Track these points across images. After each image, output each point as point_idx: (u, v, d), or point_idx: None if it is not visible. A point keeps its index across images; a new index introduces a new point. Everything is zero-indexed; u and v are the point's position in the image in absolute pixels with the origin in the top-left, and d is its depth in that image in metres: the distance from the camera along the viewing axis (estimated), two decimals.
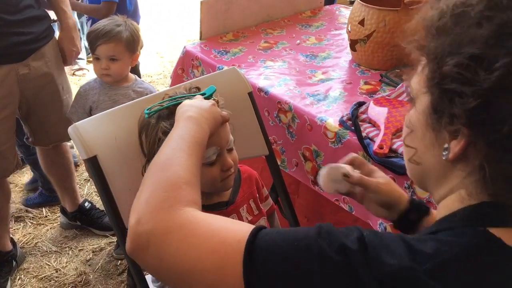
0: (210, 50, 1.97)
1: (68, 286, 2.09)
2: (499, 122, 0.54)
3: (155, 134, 1.05)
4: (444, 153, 0.62)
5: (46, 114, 1.99)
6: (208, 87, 1.11)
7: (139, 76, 2.63)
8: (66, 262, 2.22)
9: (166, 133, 0.97)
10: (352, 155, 1.01)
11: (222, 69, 1.77)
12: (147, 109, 1.07)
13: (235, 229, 0.65)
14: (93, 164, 1.15)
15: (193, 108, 0.94)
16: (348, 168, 0.97)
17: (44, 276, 2.14)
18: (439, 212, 0.67)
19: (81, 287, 2.09)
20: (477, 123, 0.56)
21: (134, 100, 1.31)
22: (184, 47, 2.04)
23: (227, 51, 1.96)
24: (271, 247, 0.60)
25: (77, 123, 1.17)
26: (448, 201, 0.65)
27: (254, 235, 0.62)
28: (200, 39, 2.06)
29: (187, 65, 2.02)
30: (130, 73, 1.91)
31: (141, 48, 1.97)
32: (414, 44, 0.64)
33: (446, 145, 0.61)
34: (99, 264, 2.20)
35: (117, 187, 1.17)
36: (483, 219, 0.60)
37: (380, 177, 0.97)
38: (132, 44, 1.82)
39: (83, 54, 3.92)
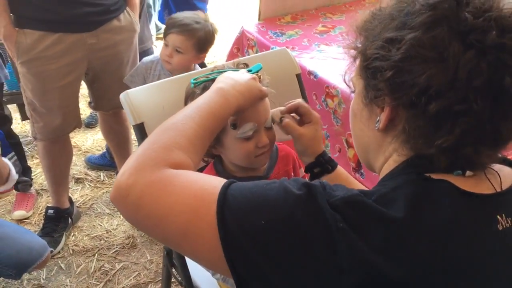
0: (267, 31, 1.99)
1: (116, 247, 2.22)
2: (410, 86, 0.65)
3: None
4: (376, 125, 0.73)
5: (110, 82, 2.08)
6: (254, 65, 1.14)
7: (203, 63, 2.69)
8: (117, 225, 2.36)
9: None
10: (297, 101, 1.10)
11: None
12: (194, 79, 1.10)
13: (212, 180, 0.72)
14: (140, 130, 1.22)
15: (227, 80, 0.95)
16: (277, 113, 1.09)
17: (96, 235, 2.29)
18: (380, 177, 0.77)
19: (128, 249, 2.21)
20: (394, 90, 0.68)
21: (184, 74, 1.36)
22: (242, 26, 2.07)
23: (283, 33, 1.98)
24: (243, 189, 0.69)
25: (128, 90, 1.23)
26: (386, 166, 0.75)
27: (230, 182, 0.70)
28: (258, 19, 2.09)
29: (242, 44, 2.06)
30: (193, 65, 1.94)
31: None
32: (349, 45, 0.77)
33: (378, 118, 0.73)
34: None
35: None
36: (414, 167, 0.69)
37: (312, 128, 1.08)
38: (203, 44, 1.84)
39: (153, 31, 4.06)
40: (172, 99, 1.28)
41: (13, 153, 2.27)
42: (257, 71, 1.10)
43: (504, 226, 0.67)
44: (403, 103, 0.68)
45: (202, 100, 0.89)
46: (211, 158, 1.21)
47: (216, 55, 4.17)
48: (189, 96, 1.14)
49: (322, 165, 1.07)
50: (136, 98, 1.23)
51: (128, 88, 2.05)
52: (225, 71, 1.10)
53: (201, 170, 1.25)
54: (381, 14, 0.73)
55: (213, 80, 1.07)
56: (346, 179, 1.08)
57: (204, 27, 1.83)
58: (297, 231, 0.62)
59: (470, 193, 0.67)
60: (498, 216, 0.67)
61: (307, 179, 0.70)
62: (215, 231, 0.64)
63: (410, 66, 0.65)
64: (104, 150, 2.78)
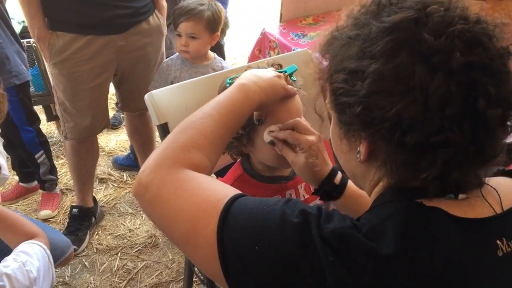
0: (288, 33, 2.00)
1: (139, 246, 2.26)
2: (381, 121, 0.62)
3: None
4: (357, 156, 0.70)
5: (137, 84, 2.12)
6: (289, 66, 1.12)
7: (224, 57, 2.71)
8: (139, 224, 2.39)
9: None
10: (296, 120, 1.02)
11: None
12: (229, 78, 1.11)
13: (220, 190, 0.72)
14: (164, 130, 1.24)
15: (250, 76, 0.95)
16: (275, 127, 1.02)
17: (119, 234, 2.33)
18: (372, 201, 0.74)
19: (150, 248, 2.25)
20: (366, 125, 0.65)
21: (209, 74, 1.38)
22: (263, 28, 2.09)
23: (305, 35, 1.98)
24: (243, 208, 0.68)
25: (153, 91, 1.26)
26: (376, 190, 0.72)
27: (235, 198, 0.69)
28: (280, 21, 2.10)
29: (264, 46, 2.07)
30: (210, 52, 1.99)
31: (227, 28, 2.03)
32: (315, 73, 0.75)
33: (358, 149, 0.70)
34: None
35: None
36: (404, 193, 0.66)
37: (302, 157, 0.99)
38: (213, 23, 1.88)
39: None
40: (195, 100, 1.29)
41: (42, 151, 2.33)
42: (291, 73, 1.10)
43: (505, 251, 0.63)
44: (378, 137, 0.65)
45: (223, 97, 0.90)
46: (240, 156, 1.22)
47: (236, 57, 4.20)
48: None
49: (327, 193, 1.00)
50: (160, 99, 1.25)
51: None
52: None
53: (229, 166, 1.27)
54: (340, 37, 0.69)
55: None
56: (356, 201, 0.98)
57: (209, 7, 1.87)
58: (289, 261, 0.62)
59: (465, 219, 0.64)
60: (498, 241, 0.63)
61: (304, 206, 0.67)
62: (213, 247, 0.66)
63: (377, 101, 0.62)
64: (128, 151, 2.83)
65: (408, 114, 0.60)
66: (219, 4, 1.95)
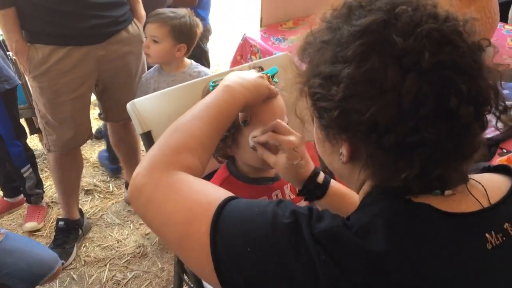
0: (269, 37, 2.01)
1: (127, 256, 2.24)
2: (358, 124, 0.63)
3: None
4: (340, 157, 0.71)
5: (120, 93, 2.11)
6: (270, 68, 1.13)
7: (209, 63, 2.71)
8: (127, 234, 2.37)
9: None
10: (276, 121, 1.02)
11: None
12: (212, 82, 1.11)
13: (212, 193, 0.73)
14: (148, 139, 1.23)
15: (234, 78, 0.97)
16: (257, 132, 1.03)
17: (107, 246, 2.31)
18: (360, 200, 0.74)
19: (139, 258, 2.23)
20: (345, 128, 0.66)
21: (189, 81, 1.38)
22: (244, 34, 2.10)
23: (285, 38, 2.00)
24: (235, 211, 0.69)
25: (135, 100, 1.25)
26: (363, 188, 0.72)
27: (226, 200, 0.70)
28: (261, 26, 2.11)
29: (246, 51, 2.08)
30: (186, 59, 1.96)
31: (209, 35, 1.95)
32: (295, 77, 0.74)
33: (340, 151, 0.70)
34: (157, 238, 2.32)
35: None
36: (392, 190, 0.66)
37: (283, 157, 0.99)
38: (179, 33, 1.84)
39: None
40: (178, 107, 1.29)
41: (29, 165, 2.31)
42: (273, 75, 1.11)
43: (494, 244, 0.64)
44: (357, 140, 0.65)
45: (210, 99, 0.91)
46: (225, 159, 1.22)
47: (219, 64, 4.20)
48: None
49: (310, 192, 1.00)
50: (143, 107, 1.25)
51: None
52: None
53: (215, 171, 1.27)
54: (314, 42, 0.70)
55: None
56: (341, 199, 1.00)
57: (179, 16, 1.85)
58: (281, 261, 0.62)
59: (453, 214, 0.64)
60: (487, 234, 0.64)
61: (296, 206, 0.68)
62: (206, 250, 0.66)
63: (352, 105, 0.62)
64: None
65: (382, 117, 0.60)
66: (197, 20, 1.93)
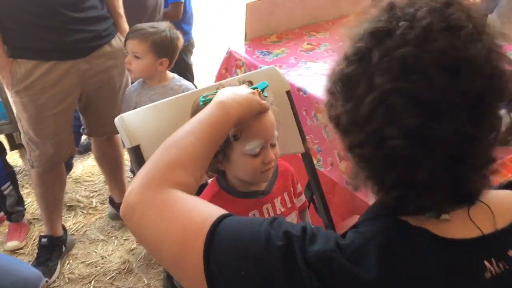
0: (254, 51, 2.03)
1: (112, 273, 2.21)
2: (354, 146, 0.66)
3: None
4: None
5: (103, 108, 2.10)
6: (260, 82, 1.13)
7: (193, 77, 2.71)
8: (112, 250, 2.34)
9: None
10: None
11: None
12: (203, 97, 1.11)
13: (206, 211, 0.72)
14: (136, 153, 1.23)
15: (226, 93, 0.97)
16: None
17: (91, 262, 2.27)
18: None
19: (124, 274, 2.20)
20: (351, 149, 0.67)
21: (179, 95, 1.38)
22: (229, 48, 2.11)
23: (270, 52, 2.02)
24: (229, 231, 0.68)
25: (123, 114, 1.25)
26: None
27: (220, 219, 0.69)
28: (245, 40, 2.13)
29: (230, 65, 2.09)
30: (168, 72, 1.96)
31: (193, 48, 1.95)
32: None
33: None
34: (142, 254, 2.30)
35: None
36: (388, 209, 0.67)
37: None
38: (159, 48, 1.84)
39: None
40: (167, 121, 1.29)
41: (9, 182, 2.26)
42: (263, 89, 1.12)
43: (493, 273, 0.62)
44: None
45: (203, 115, 0.91)
46: (216, 173, 1.22)
47: (204, 77, 4.21)
48: (196, 112, 1.15)
49: None
50: (131, 122, 1.24)
51: None
52: None
53: (204, 184, 1.27)
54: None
55: None
56: None
57: (159, 31, 1.85)
58: (274, 286, 0.62)
59: (451, 240, 0.63)
60: (486, 262, 0.62)
61: (289, 226, 0.68)
62: (200, 270, 0.66)
63: (351, 128, 0.66)
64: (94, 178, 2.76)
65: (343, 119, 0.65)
66: (177, 32, 1.93)
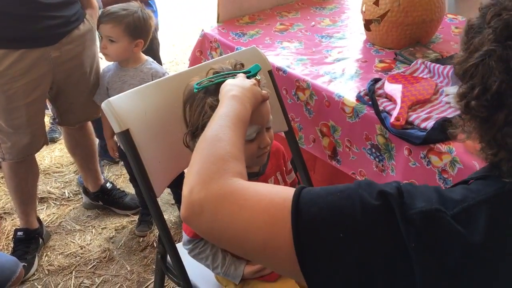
0: (228, 33, 2.02)
1: (93, 262, 2.18)
2: (461, 94, 0.68)
3: (201, 107, 1.11)
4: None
5: (75, 95, 2.05)
6: (253, 65, 1.15)
7: (160, 61, 2.68)
8: (90, 240, 2.31)
9: (212, 107, 1.03)
10: None
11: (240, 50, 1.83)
12: (197, 84, 1.11)
13: (280, 191, 0.72)
14: (126, 137, 1.22)
15: (236, 88, 0.99)
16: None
17: (70, 253, 2.23)
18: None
19: (106, 262, 2.18)
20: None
21: (164, 77, 1.37)
22: (202, 30, 2.09)
23: (244, 33, 2.02)
24: (315, 198, 0.68)
25: (110, 98, 1.23)
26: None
27: (298, 192, 0.69)
28: (218, 22, 2.12)
29: (205, 47, 2.08)
30: (142, 54, 1.97)
31: (156, 32, 1.97)
32: None
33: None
34: (122, 241, 2.28)
35: (147, 159, 1.24)
36: (500, 169, 0.67)
37: None
38: (134, 29, 1.85)
39: None
40: (153, 104, 1.29)
41: None
42: (257, 72, 1.13)
43: None
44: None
45: (226, 110, 0.91)
46: None
47: (178, 62, 4.16)
48: (189, 98, 1.15)
49: None
50: (118, 106, 1.23)
51: (95, 104, 2.04)
52: (225, 74, 1.12)
53: None
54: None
55: (216, 84, 1.09)
56: None
57: (131, 13, 1.85)
58: (376, 247, 0.63)
59: None
60: None
61: (382, 187, 0.67)
62: (293, 247, 0.65)
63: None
64: (63, 168, 2.69)
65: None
66: (148, 11, 1.92)
